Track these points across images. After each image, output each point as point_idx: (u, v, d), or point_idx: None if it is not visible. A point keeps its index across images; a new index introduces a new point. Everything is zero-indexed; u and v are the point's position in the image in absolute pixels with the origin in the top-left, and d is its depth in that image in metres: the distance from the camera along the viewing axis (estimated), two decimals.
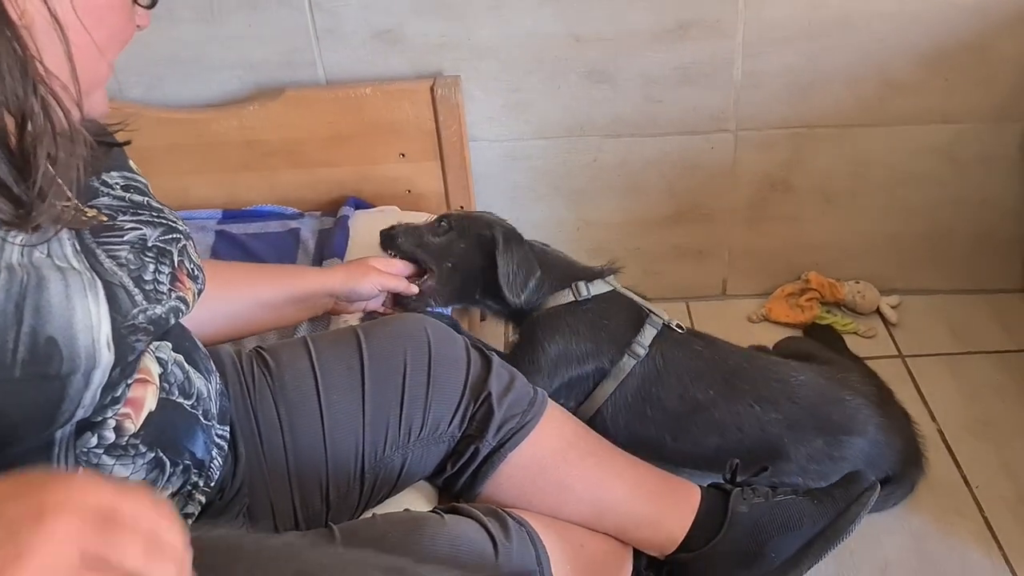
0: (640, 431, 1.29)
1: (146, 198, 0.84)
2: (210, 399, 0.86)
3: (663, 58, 1.47)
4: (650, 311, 1.30)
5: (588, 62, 1.48)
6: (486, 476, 1.03)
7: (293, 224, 1.52)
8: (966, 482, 1.35)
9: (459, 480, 1.05)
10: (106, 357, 0.68)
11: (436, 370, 1.03)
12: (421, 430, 1.02)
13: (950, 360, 1.57)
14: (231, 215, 1.55)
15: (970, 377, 1.53)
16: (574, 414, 1.20)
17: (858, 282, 1.67)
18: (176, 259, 0.81)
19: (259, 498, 0.95)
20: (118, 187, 0.81)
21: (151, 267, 0.77)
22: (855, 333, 1.63)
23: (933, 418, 1.46)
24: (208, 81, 1.51)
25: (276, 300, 1.16)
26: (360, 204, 1.55)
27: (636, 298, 1.32)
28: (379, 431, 1.01)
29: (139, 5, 0.70)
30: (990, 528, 1.29)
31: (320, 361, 1.02)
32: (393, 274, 1.27)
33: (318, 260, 1.42)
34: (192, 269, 0.84)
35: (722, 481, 1.14)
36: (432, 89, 1.44)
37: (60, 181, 0.67)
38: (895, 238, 1.65)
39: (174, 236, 0.83)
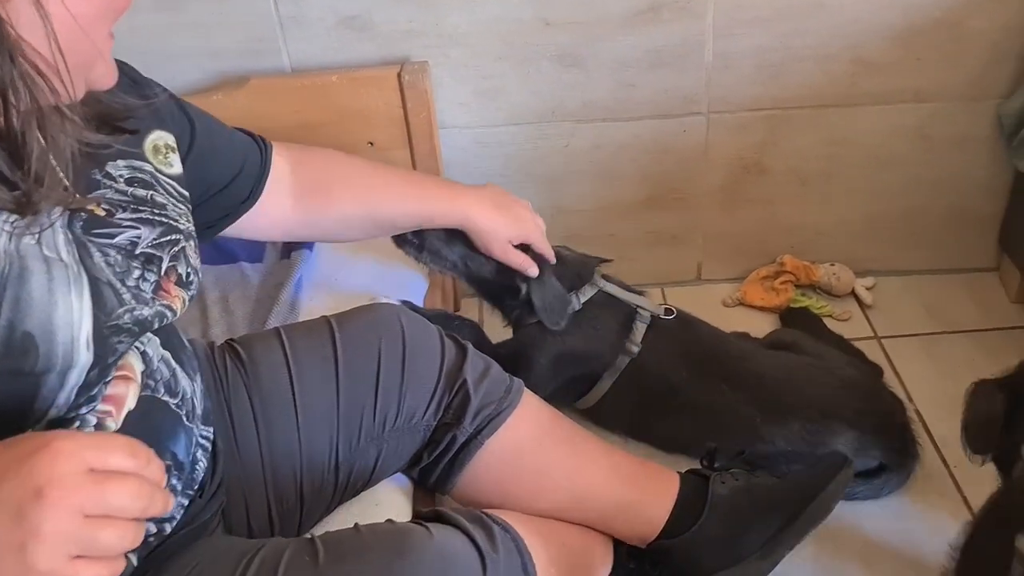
0: (628, 415, 1.33)
1: (151, 192, 0.80)
2: (194, 399, 0.84)
3: (634, 41, 1.45)
4: (637, 306, 1.31)
5: (559, 46, 1.45)
6: (463, 464, 1.02)
7: None
8: (944, 463, 1.35)
9: (436, 469, 1.04)
10: (84, 357, 0.66)
11: (410, 359, 1.01)
12: (396, 420, 1.00)
13: (926, 340, 1.57)
14: None
15: (946, 357, 1.53)
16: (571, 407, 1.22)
17: (833, 264, 1.67)
18: (165, 265, 0.77)
19: (234, 496, 0.93)
20: (121, 180, 0.78)
21: (136, 273, 0.74)
22: (830, 316, 1.62)
23: (910, 399, 1.45)
24: (170, 71, 1.47)
25: (386, 222, 1.16)
26: None
27: (621, 293, 1.33)
28: (353, 422, 0.99)
29: None
30: (969, 508, 1.29)
31: (293, 353, 1.00)
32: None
33: (286, 253, 1.39)
34: (185, 274, 0.80)
35: (700, 466, 1.13)
36: (400, 76, 1.41)
37: (55, 164, 0.64)
38: (870, 219, 1.65)
39: (171, 238, 0.79)
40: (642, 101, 1.51)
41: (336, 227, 1.13)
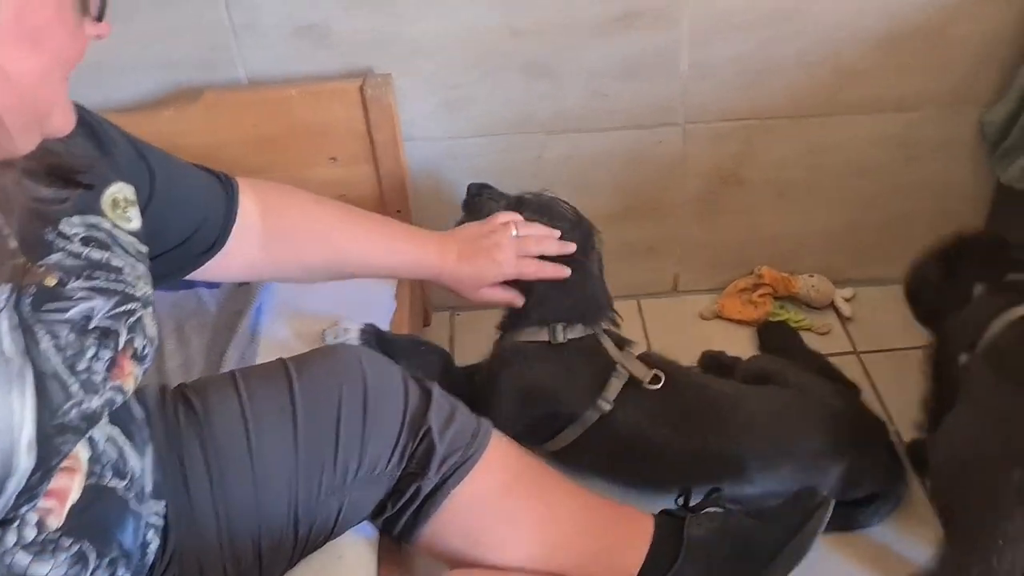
0: (604, 470, 1.28)
1: (107, 253, 0.74)
2: (144, 477, 0.78)
3: (607, 51, 1.39)
4: (618, 363, 1.24)
5: (528, 56, 1.39)
6: (428, 515, 0.97)
7: None
8: (924, 485, 1.33)
9: (400, 520, 0.99)
10: (24, 464, 0.60)
11: (372, 406, 0.96)
12: (358, 471, 0.95)
13: (905, 356, 1.54)
14: None
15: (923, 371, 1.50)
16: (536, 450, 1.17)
17: (812, 276, 1.63)
18: (122, 340, 0.72)
19: (188, 563, 0.88)
20: (77, 239, 0.71)
21: (90, 352, 0.68)
22: (809, 330, 1.59)
23: (890, 420, 1.43)
24: (119, 83, 1.40)
25: (351, 273, 1.14)
26: None
27: (611, 349, 1.26)
28: (313, 475, 0.94)
29: (88, 16, 0.61)
30: None
31: (250, 402, 0.94)
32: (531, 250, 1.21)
33: None
34: (141, 348, 0.75)
35: (674, 507, 1.09)
36: (362, 89, 1.35)
37: (5, 231, 0.58)
38: (850, 229, 1.61)
39: (128, 308, 0.74)
40: (616, 111, 1.46)
41: (302, 274, 1.11)
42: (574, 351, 1.25)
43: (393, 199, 1.47)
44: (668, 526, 1.05)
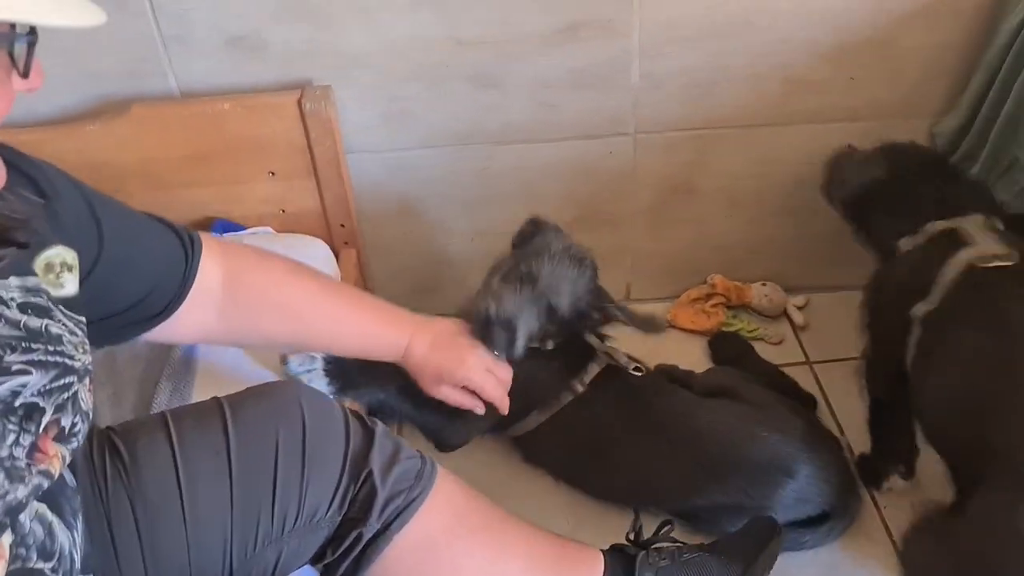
0: (562, 459, 1.30)
1: (45, 321, 0.69)
2: (73, 552, 0.74)
3: (554, 61, 1.35)
4: (605, 352, 1.28)
5: (473, 66, 1.35)
6: (371, 561, 0.93)
7: None
8: (875, 503, 1.33)
9: (341, 566, 0.95)
10: None
11: (311, 449, 0.92)
12: (296, 519, 0.91)
13: (857, 365, 1.53)
14: None
15: None
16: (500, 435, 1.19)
17: (765, 284, 1.62)
18: (47, 420, 0.67)
19: None
20: (14, 305, 0.67)
21: (11, 438, 0.64)
22: (762, 339, 1.58)
23: (842, 431, 1.42)
24: (42, 96, 1.30)
25: (327, 347, 1.12)
26: (229, 227, 1.40)
27: (595, 343, 1.29)
28: (249, 525, 0.89)
29: (16, 71, 0.60)
30: (897, 550, 1.26)
31: (182, 448, 0.89)
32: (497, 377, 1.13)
33: None
34: (70, 425, 0.70)
35: (626, 542, 1.07)
36: (300, 102, 1.29)
37: None
38: (801, 237, 1.60)
39: (65, 382, 0.69)
40: (565, 122, 1.42)
41: (262, 343, 1.08)
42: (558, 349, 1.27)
43: (336, 213, 1.42)
44: (619, 564, 1.03)
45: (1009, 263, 1.10)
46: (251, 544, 0.89)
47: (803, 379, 1.49)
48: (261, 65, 1.32)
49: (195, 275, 0.94)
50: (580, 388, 1.26)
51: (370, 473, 0.93)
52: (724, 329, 1.58)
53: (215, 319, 0.98)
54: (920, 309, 1.14)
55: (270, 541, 0.90)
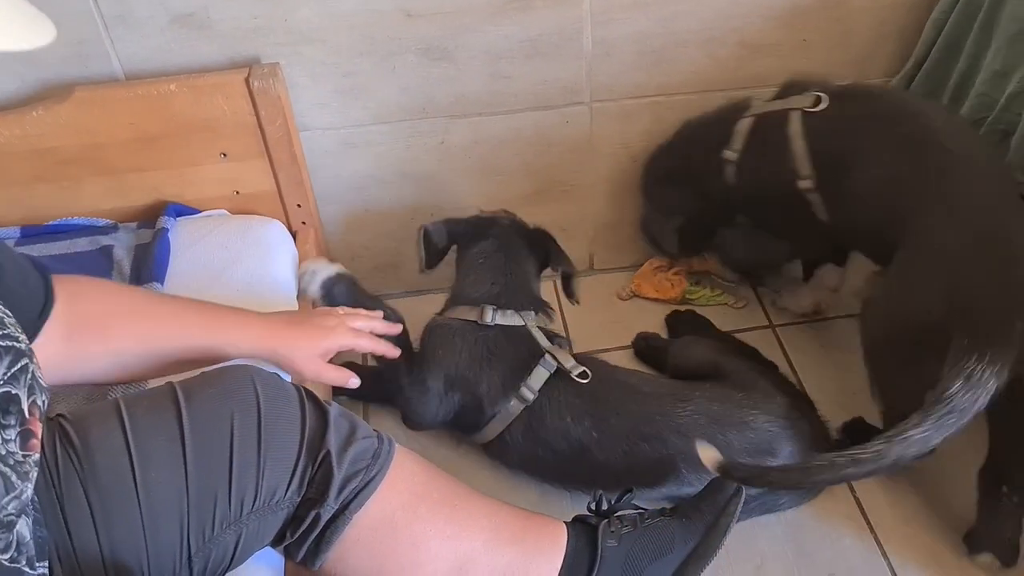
0: (533, 470, 1.28)
1: None
2: (30, 540, 0.72)
3: (507, 31, 1.33)
4: (549, 353, 1.23)
5: (424, 39, 1.33)
6: (331, 542, 0.93)
7: (105, 240, 1.33)
8: None
9: (302, 547, 0.95)
10: None
11: (267, 432, 0.91)
12: (255, 501, 0.90)
13: (818, 327, 1.55)
14: (31, 232, 1.35)
15: (838, 343, 1.51)
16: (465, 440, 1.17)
17: None
18: (26, 403, 0.66)
19: None
20: None
21: (9, 433, 0.63)
22: (725, 304, 1.58)
23: (805, 392, 1.43)
24: None
25: (170, 360, 0.99)
26: (183, 211, 1.38)
27: (540, 338, 1.25)
28: (206, 509, 0.88)
29: None
30: (862, 510, 1.28)
31: (135, 433, 0.87)
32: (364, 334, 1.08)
33: (135, 284, 1.25)
34: (44, 403, 0.69)
35: (588, 512, 1.07)
36: (248, 80, 1.27)
37: None
38: None
39: (22, 364, 0.67)
40: (520, 93, 1.41)
41: (113, 367, 0.97)
42: (502, 337, 1.25)
43: (291, 193, 1.40)
44: (582, 535, 1.03)
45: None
46: (209, 527, 0.88)
47: (767, 343, 1.51)
48: (208, 44, 1.29)
49: (53, 303, 0.90)
50: (530, 395, 1.22)
51: (327, 454, 0.92)
52: (688, 296, 1.58)
53: (63, 345, 0.91)
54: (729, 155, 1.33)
55: (228, 524, 0.89)
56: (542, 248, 1.39)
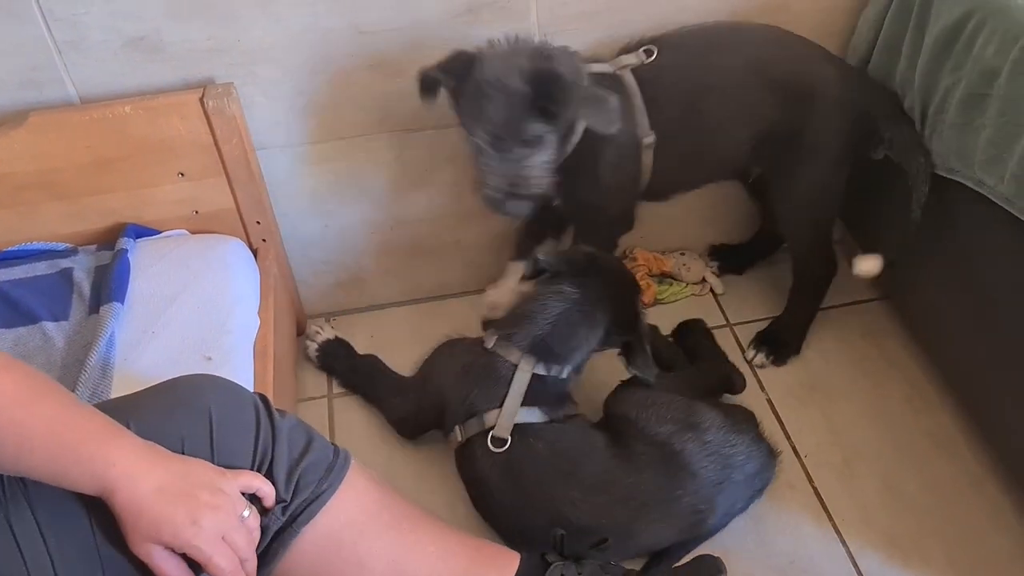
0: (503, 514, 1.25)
1: None
2: None
3: (457, 44, 1.35)
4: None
5: (377, 56, 1.35)
6: (276, 555, 0.93)
7: (64, 263, 1.34)
8: (796, 452, 1.37)
9: None
10: None
11: (219, 443, 0.91)
12: None
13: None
14: None
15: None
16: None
17: (683, 253, 1.66)
18: None
19: None
20: None
21: None
22: (691, 295, 1.64)
23: (762, 388, 1.47)
24: None
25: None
26: (142, 232, 1.39)
27: (517, 385, 1.23)
28: None
29: None
30: (819, 497, 1.31)
31: None
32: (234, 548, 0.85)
33: (95, 305, 1.26)
34: None
35: (551, 550, 1.06)
36: (202, 100, 1.28)
37: None
38: (717, 203, 1.64)
39: None
40: None
41: None
42: (488, 364, 1.26)
43: (251, 211, 1.41)
44: (532, 569, 1.02)
45: None
46: None
47: (725, 342, 1.53)
48: (162, 66, 1.31)
49: None
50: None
51: (278, 465, 0.93)
52: (659, 298, 1.62)
53: None
54: None
55: None
56: (621, 332, 1.29)
